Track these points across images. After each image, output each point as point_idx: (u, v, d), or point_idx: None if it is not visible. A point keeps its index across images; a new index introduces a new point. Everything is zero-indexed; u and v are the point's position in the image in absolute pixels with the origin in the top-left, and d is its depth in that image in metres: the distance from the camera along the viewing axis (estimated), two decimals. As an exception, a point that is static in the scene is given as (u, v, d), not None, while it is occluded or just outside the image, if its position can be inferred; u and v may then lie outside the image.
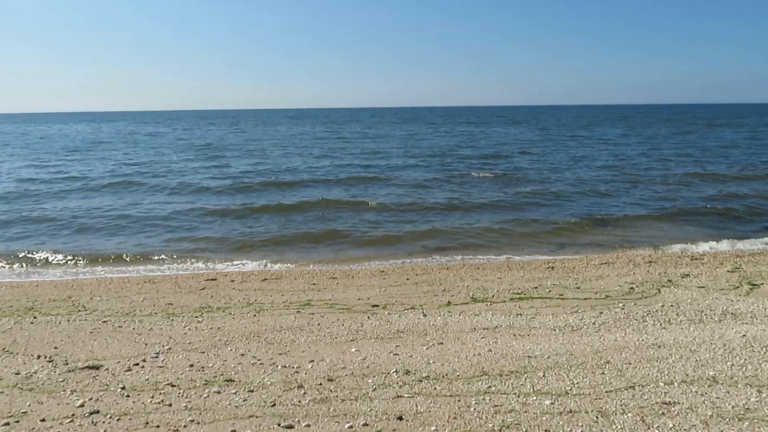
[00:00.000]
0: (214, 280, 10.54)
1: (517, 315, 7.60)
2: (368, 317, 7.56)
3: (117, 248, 13.33)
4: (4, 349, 6.32)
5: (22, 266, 12.05)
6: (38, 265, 12.18)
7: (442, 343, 6.37)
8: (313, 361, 5.85)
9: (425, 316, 7.60)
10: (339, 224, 15.42)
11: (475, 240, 13.96)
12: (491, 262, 11.89)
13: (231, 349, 6.27)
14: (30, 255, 12.73)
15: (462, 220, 15.99)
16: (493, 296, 8.81)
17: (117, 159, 34.39)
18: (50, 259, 12.53)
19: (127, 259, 12.47)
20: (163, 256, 12.65)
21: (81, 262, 12.33)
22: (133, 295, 9.28)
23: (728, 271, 10.08)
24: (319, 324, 7.19)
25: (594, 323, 7.04)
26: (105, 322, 7.50)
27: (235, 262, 12.23)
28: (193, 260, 12.36)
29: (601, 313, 7.56)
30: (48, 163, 32.10)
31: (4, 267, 12.03)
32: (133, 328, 7.14)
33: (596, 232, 14.63)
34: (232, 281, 10.42)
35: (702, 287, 8.98)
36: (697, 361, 5.59)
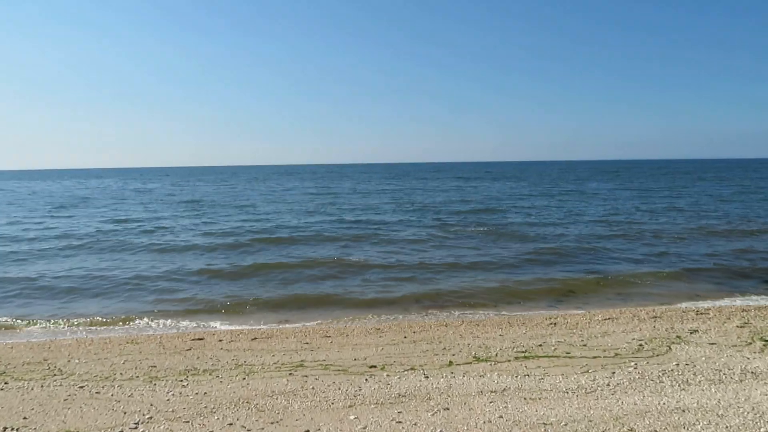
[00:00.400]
0: (201, 339, 9.98)
1: (525, 376, 7.13)
2: (366, 379, 7.05)
3: (100, 309, 12.73)
4: (-35, 421, 5.74)
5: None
6: (14, 326, 11.54)
7: (448, 409, 5.88)
8: (308, 431, 5.33)
9: (427, 377, 7.11)
10: (331, 282, 14.96)
11: (472, 296, 13.53)
12: (491, 318, 11.44)
13: (218, 418, 5.74)
14: (6, 316, 12.10)
15: (458, 276, 15.59)
16: (496, 355, 8.35)
17: (104, 216, 33.91)
18: (28, 320, 11.90)
19: (110, 320, 11.87)
20: (147, 317, 12.06)
21: (61, 323, 11.71)
22: (114, 357, 8.71)
23: (737, 327, 9.71)
24: (313, 388, 6.67)
25: (608, 384, 6.59)
26: (81, 387, 6.94)
27: (223, 322, 11.67)
28: (179, 319, 11.79)
29: (614, 373, 7.12)
30: (33, 220, 31.55)
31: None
32: (112, 395, 6.58)
33: (596, 288, 14.27)
34: (220, 341, 9.87)
35: (713, 344, 8.59)
36: (727, 427, 5.15)
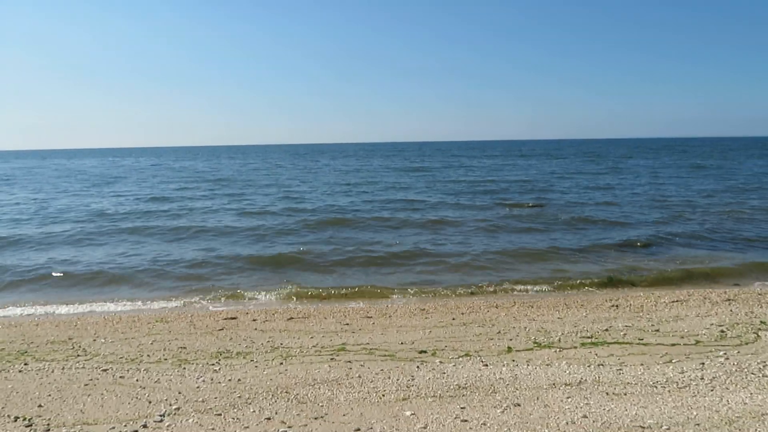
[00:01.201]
0: (234, 318, 9.33)
1: (599, 366, 6.23)
2: (417, 367, 6.25)
3: (132, 286, 12.21)
4: (-24, 407, 5.13)
5: (25, 304, 10.96)
6: (43, 303, 11.08)
7: (519, 405, 5.03)
8: (359, 430, 4.56)
9: (486, 366, 6.27)
10: (372, 263, 14.14)
11: (519, 274, 12.60)
12: (545, 299, 10.51)
13: (254, 411, 5.01)
14: (37, 292, 11.69)
15: (503, 253, 14.64)
16: (559, 340, 7.46)
17: (141, 193, 33.78)
18: (58, 296, 11.45)
19: (140, 297, 11.30)
20: (178, 295, 11.48)
21: (91, 299, 11.21)
22: (142, 337, 8.11)
23: (830, 312, 8.61)
24: (360, 376, 5.90)
25: (702, 378, 5.65)
26: (105, 370, 6.30)
27: (257, 298, 11.02)
28: (211, 296, 11.16)
29: (703, 364, 6.16)
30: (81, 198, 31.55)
31: (7, 304, 10.95)
32: (137, 380, 5.93)
33: (655, 265, 13.16)
34: (254, 320, 9.20)
35: (809, 331, 7.54)
36: None
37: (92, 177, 50.75)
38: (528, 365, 6.29)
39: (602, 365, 6.25)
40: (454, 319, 8.98)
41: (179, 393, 5.45)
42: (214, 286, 11.87)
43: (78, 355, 7.13)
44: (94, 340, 8.01)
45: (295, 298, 11.01)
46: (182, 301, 10.92)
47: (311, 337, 7.93)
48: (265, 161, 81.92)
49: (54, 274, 12.99)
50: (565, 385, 5.54)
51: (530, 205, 23.52)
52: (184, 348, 7.42)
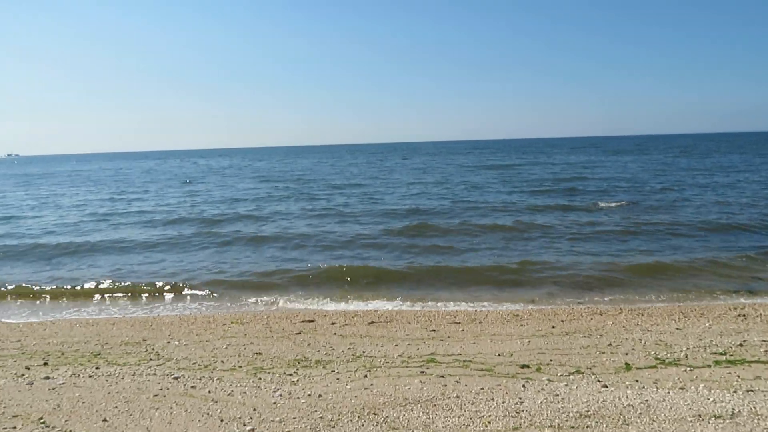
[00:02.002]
0: (312, 321, 8.73)
1: (747, 391, 5.10)
2: (523, 386, 5.34)
3: (210, 283, 11.91)
4: (41, 419, 4.69)
5: (104, 300, 10.87)
6: (122, 299, 10.95)
7: (665, 445, 4.05)
8: (468, 471, 3.74)
9: (606, 387, 5.28)
10: (456, 259, 13.27)
11: (621, 276, 11.34)
12: (656, 307, 9.29)
13: (339, 437, 4.29)
14: (117, 288, 11.60)
15: (598, 254, 13.36)
16: (686, 357, 6.34)
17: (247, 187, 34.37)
18: (138, 292, 11.31)
19: (215, 295, 10.96)
20: (255, 292, 11.06)
21: (167, 297, 10.98)
22: (217, 340, 7.63)
23: None
24: (458, 396, 5.06)
25: None
26: (176, 378, 5.79)
27: (336, 301, 10.39)
28: (288, 296, 10.64)
29: None
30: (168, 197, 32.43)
31: (86, 302, 10.88)
32: (209, 392, 5.36)
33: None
34: (333, 323, 8.57)
35: None
36: None
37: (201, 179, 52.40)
38: (657, 388, 5.25)
39: (752, 391, 5.12)
40: (553, 327, 7.98)
41: (254, 410, 4.81)
42: (290, 288, 11.34)
43: (150, 360, 6.70)
44: (168, 342, 7.61)
45: (378, 300, 10.29)
46: (258, 302, 10.48)
47: (395, 345, 7.17)
48: (338, 160, 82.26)
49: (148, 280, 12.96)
50: (715, 417, 4.48)
51: (623, 203, 21.74)
52: (260, 354, 6.85)
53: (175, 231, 18.54)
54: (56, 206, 28.00)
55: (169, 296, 11.01)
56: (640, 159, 55.88)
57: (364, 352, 6.88)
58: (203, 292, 11.09)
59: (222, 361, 6.55)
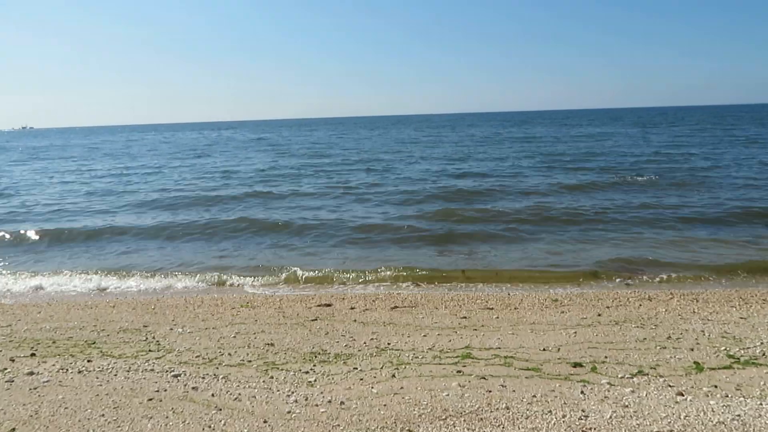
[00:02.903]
0: (329, 306, 7.95)
1: None
2: (581, 392, 4.51)
3: (219, 261, 11.17)
4: (13, 430, 3.95)
5: (106, 281, 10.15)
6: (125, 276, 10.24)
7: (779, 481, 3.21)
8: None
9: (681, 395, 4.43)
10: (479, 235, 12.40)
11: (666, 256, 10.40)
12: (711, 291, 8.39)
13: (367, 463, 3.50)
14: (118, 267, 10.90)
15: (638, 232, 12.40)
16: (763, 354, 5.47)
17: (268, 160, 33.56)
18: (141, 271, 10.59)
19: (224, 277, 10.18)
20: (266, 269, 10.31)
21: (178, 274, 10.26)
22: (224, 327, 6.87)
23: None
24: (507, 407, 4.24)
25: None
26: (176, 377, 5.04)
27: (354, 281, 9.59)
28: (304, 278, 9.83)
29: None
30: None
31: (89, 279, 10.18)
32: (212, 395, 4.59)
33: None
34: (352, 308, 7.78)
35: None
36: None
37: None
38: (743, 397, 4.40)
39: None
40: (599, 315, 7.12)
41: (264, 422, 4.03)
42: (305, 267, 10.53)
43: (149, 351, 5.96)
44: (171, 329, 6.87)
45: (400, 283, 9.45)
46: (271, 281, 9.71)
47: (424, 335, 6.37)
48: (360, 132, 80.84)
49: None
50: (834, 440, 3.63)
51: (655, 178, 20.60)
52: (272, 345, 6.08)
53: (186, 214, 17.76)
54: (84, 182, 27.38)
55: (175, 278, 10.23)
56: (666, 131, 54.06)
57: (389, 343, 6.08)
58: (212, 275, 10.27)
59: (229, 354, 5.79)
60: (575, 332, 6.33)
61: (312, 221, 14.69)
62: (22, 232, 14.08)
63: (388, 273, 9.80)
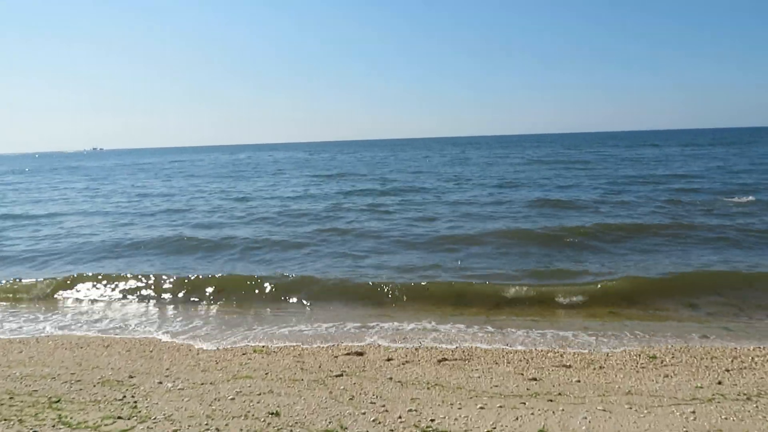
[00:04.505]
0: (361, 355, 6.40)
1: None
2: None
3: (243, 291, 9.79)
4: None
5: (122, 312, 8.94)
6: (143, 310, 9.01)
7: None
8: None
9: None
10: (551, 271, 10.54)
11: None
12: None
13: None
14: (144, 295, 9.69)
15: (743, 263, 10.31)
16: None
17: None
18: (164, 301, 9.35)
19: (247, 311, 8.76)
20: (298, 302, 8.87)
21: (194, 305, 8.95)
22: (225, 383, 5.42)
23: None
24: None
25: None
26: (132, 469, 3.57)
27: (398, 320, 7.97)
28: (334, 317, 8.27)
29: None
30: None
31: (95, 313, 8.99)
32: None
33: None
34: (389, 360, 6.20)
35: None
36: None
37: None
38: None
39: None
40: (719, 383, 5.27)
41: None
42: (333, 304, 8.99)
43: (119, 417, 4.55)
44: (161, 382, 5.47)
45: (449, 325, 7.74)
46: (296, 322, 8.24)
47: (480, 407, 4.71)
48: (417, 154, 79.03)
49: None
50: None
51: (751, 200, 18.06)
52: (277, 415, 4.56)
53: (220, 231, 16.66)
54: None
55: (193, 308, 8.92)
56: (739, 151, 50.07)
57: (432, 420, 4.45)
58: (234, 308, 8.89)
59: (217, 429, 4.30)
60: (693, 411, 4.53)
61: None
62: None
63: (438, 315, 8.14)
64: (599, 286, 8.83)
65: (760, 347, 6.36)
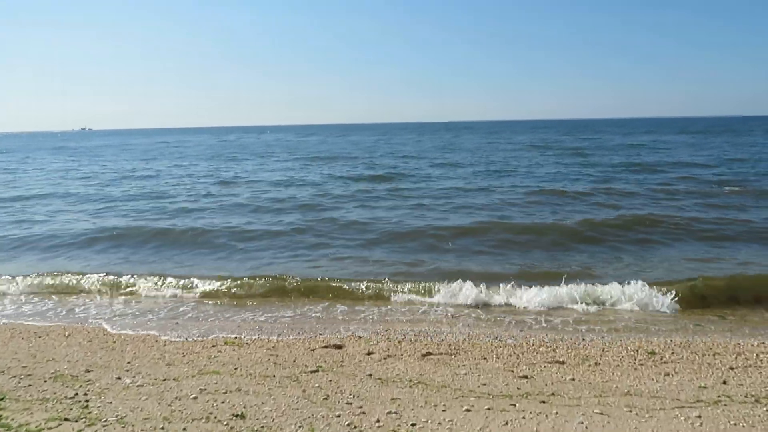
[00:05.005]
0: (340, 348, 5.96)
1: None
2: None
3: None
4: None
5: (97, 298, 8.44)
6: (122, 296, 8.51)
7: None
8: None
9: None
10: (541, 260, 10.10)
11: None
12: None
13: None
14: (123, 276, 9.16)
15: (743, 254, 9.96)
16: None
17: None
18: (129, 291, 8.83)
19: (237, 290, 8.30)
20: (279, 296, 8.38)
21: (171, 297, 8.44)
22: (190, 378, 4.97)
23: None
24: None
25: None
26: (65, 485, 3.12)
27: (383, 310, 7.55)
28: (314, 306, 7.83)
29: None
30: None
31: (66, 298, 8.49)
32: None
33: None
34: (370, 354, 5.77)
35: None
36: None
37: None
38: None
39: None
40: (725, 383, 4.88)
41: None
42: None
43: (65, 419, 4.09)
44: (119, 377, 5.02)
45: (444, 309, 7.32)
46: (271, 308, 7.78)
47: (467, 409, 4.29)
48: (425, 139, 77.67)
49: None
50: None
51: (744, 189, 17.71)
52: (241, 418, 4.12)
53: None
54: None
55: (160, 299, 8.40)
56: (730, 140, 49.71)
57: (414, 425, 4.03)
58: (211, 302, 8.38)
59: (175, 434, 3.86)
60: (699, 416, 4.14)
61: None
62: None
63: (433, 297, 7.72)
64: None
65: (764, 343, 5.98)
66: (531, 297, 7.57)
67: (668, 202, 15.70)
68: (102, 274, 9.05)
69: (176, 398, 4.51)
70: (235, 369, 5.26)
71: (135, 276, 9.00)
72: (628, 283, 7.65)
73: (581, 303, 7.42)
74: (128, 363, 5.47)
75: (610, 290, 7.64)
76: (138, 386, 4.80)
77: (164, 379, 4.97)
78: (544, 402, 4.46)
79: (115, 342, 6.18)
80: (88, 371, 5.21)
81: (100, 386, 4.80)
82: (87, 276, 9.05)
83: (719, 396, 4.55)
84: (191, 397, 4.54)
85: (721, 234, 11.42)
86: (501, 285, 7.96)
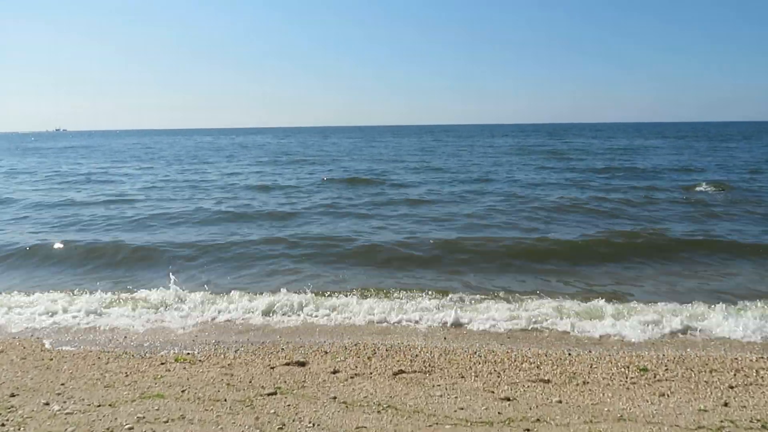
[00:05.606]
0: (303, 365, 5.40)
1: None
2: None
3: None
4: None
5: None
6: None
7: None
8: None
9: None
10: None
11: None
12: None
13: None
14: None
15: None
16: None
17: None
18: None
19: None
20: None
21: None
22: (128, 402, 4.38)
23: None
24: None
25: None
26: None
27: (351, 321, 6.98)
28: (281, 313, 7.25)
29: None
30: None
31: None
32: None
33: None
34: (335, 372, 5.21)
35: None
36: None
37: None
38: None
39: None
40: (726, 404, 4.42)
41: None
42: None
43: (-26, 458, 3.46)
44: (47, 402, 4.40)
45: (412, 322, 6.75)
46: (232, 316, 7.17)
47: (444, 440, 3.75)
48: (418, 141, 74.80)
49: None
50: None
51: (719, 189, 17.58)
52: (179, 455, 3.53)
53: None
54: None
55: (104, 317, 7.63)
56: (704, 145, 49.92)
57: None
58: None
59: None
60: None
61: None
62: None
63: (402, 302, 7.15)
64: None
65: (763, 357, 5.55)
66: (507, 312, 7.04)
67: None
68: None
69: (109, 428, 3.91)
70: (182, 392, 4.66)
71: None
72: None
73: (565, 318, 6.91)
74: (62, 385, 4.84)
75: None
76: (67, 414, 4.18)
77: (98, 405, 4.35)
78: (528, 430, 3.95)
79: (51, 360, 5.54)
80: (13, 395, 4.57)
81: (23, 414, 4.17)
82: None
83: (722, 421, 4.08)
84: (126, 427, 3.93)
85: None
86: (479, 296, 7.42)
